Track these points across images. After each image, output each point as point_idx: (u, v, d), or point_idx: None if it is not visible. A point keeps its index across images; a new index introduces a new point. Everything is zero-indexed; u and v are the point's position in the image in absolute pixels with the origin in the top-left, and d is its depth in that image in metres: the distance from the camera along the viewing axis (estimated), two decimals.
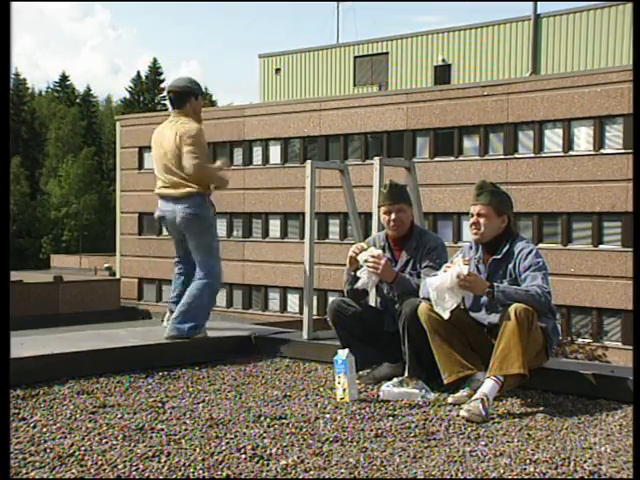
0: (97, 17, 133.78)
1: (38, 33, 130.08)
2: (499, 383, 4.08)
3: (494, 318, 4.32)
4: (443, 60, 29.64)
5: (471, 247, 4.59)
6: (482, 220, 4.43)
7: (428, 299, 4.33)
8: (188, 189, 5.56)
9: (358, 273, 4.68)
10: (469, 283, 4.17)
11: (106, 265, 39.75)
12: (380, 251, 4.71)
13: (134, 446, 3.36)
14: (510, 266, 4.37)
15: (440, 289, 4.20)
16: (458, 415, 3.96)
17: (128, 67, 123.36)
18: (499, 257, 4.41)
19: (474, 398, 4.01)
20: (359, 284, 4.67)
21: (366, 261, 4.62)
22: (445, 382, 4.34)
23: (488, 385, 4.08)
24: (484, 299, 4.38)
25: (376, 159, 5.80)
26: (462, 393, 4.24)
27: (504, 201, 4.49)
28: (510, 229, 4.50)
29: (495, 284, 4.22)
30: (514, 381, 4.15)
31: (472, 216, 4.48)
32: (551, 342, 4.41)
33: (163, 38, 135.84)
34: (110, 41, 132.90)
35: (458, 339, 4.34)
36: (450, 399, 4.25)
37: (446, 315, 4.21)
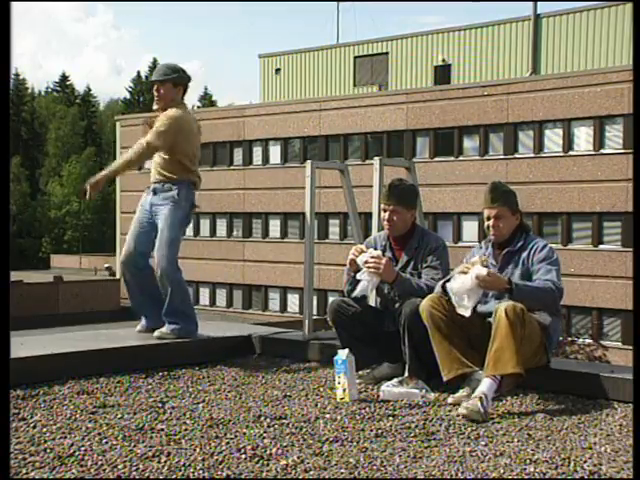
0: (99, 17, 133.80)
1: (41, 34, 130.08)
2: (496, 382, 4.10)
3: (486, 308, 4.43)
4: (443, 60, 29.63)
5: (480, 247, 4.65)
6: (501, 223, 4.54)
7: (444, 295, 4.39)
8: None
9: (358, 275, 4.67)
10: (489, 283, 4.22)
11: (106, 265, 39.69)
12: (379, 252, 4.71)
13: (134, 446, 3.36)
14: (524, 255, 4.47)
15: (459, 292, 4.23)
16: (458, 415, 3.96)
17: (130, 67, 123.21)
18: (514, 249, 4.51)
19: (473, 397, 4.04)
20: (357, 291, 4.66)
21: (366, 262, 4.61)
22: (444, 379, 4.36)
23: (486, 384, 4.10)
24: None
25: (376, 159, 5.80)
26: (462, 393, 4.25)
27: (515, 199, 4.62)
28: (523, 223, 4.63)
29: (513, 280, 4.27)
30: (511, 380, 4.18)
31: (488, 219, 4.57)
32: (551, 340, 4.42)
33: (164, 38, 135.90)
34: (113, 41, 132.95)
35: (459, 337, 4.36)
36: (450, 399, 4.26)
37: (468, 313, 4.26)
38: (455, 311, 4.36)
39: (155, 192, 5.66)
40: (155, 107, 5.66)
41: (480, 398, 3.99)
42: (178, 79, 5.62)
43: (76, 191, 59.27)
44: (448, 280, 4.39)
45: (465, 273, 4.26)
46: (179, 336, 5.49)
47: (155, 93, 5.62)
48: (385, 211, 4.83)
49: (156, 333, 5.50)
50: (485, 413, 3.95)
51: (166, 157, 5.61)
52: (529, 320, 4.24)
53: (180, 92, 5.67)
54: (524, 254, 4.47)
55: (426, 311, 4.40)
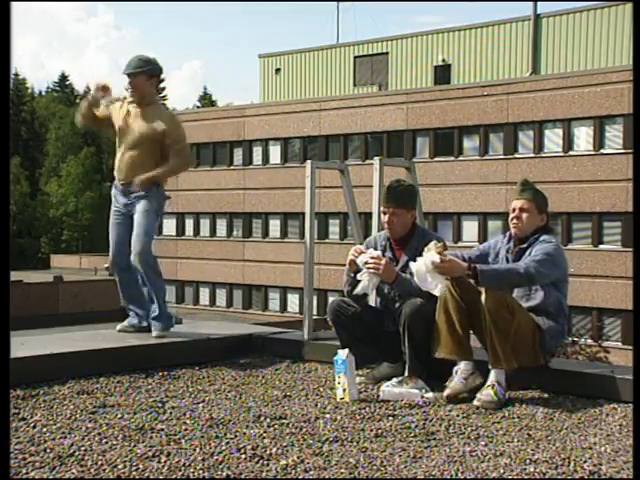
0: (101, 18, 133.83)
1: (43, 34, 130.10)
2: (501, 368, 4.24)
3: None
4: (443, 60, 29.63)
5: (503, 240, 4.68)
6: (524, 215, 4.56)
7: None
8: None
9: (358, 276, 4.67)
10: (445, 269, 4.24)
11: (106, 265, 39.51)
12: (379, 252, 4.71)
13: (134, 446, 3.36)
14: (527, 252, 4.48)
15: (419, 274, 4.29)
16: (466, 413, 3.96)
17: None
18: (525, 246, 4.53)
19: (486, 386, 4.19)
20: (359, 289, 4.65)
21: (366, 263, 4.61)
22: (434, 355, 4.43)
23: (493, 373, 4.25)
24: None
25: (376, 159, 5.80)
26: (454, 384, 4.34)
27: (545, 200, 4.65)
28: (547, 227, 4.62)
29: (477, 265, 4.28)
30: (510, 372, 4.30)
31: (513, 211, 4.60)
32: (545, 343, 4.41)
33: (165, 38, 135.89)
34: (114, 41, 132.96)
35: (461, 320, 4.35)
36: (446, 392, 4.30)
37: (437, 292, 4.30)
38: (470, 299, 4.35)
39: (125, 193, 5.61)
40: (130, 100, 5.63)
41: (492, 386, 4.17)
42: (151, 71, 5.59)
43: (74, 191, 59.31)
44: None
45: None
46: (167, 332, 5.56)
47: (129, 86, 5.56)
48: (385, 214, 4.82)
49: (155, 333, 5.51)
50: (500, 401, 4.12)
51: (152, 160, 5.56)
52: (519, 309, 4.29)
53: (154, 84, 5.64)
54: (528, 251, 4.48)
55: (444, 292, 4.41)
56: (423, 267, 4.27)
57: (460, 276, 4.34)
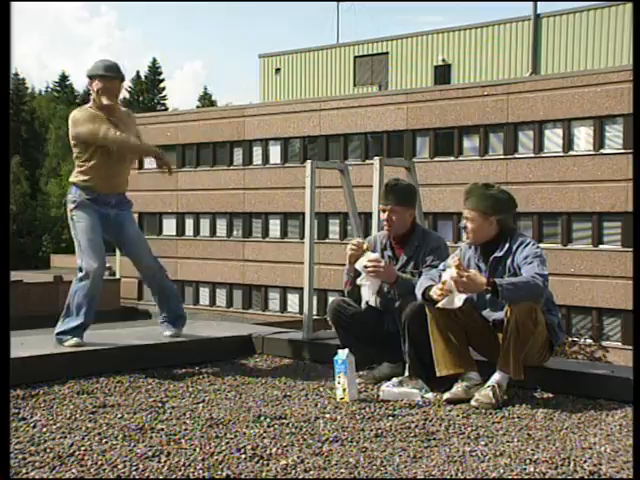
0: (104, 18, 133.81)
1: (47, 34, 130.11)
2: (508, 373, 4.22)
3: (499, 315, 4.36)
4: (443, 60, 29.66)
5: (470, 246, 4.62)
6: (469, 224, 4.48)
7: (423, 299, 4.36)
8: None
9: (358, 281, 4.69)
10: (463, 284, 4.14)
11: (108, 264, 39.63)
12: (377, 254, 4.72)
13: (134, 446, 3.36)
14: (509, 261, 4.41)
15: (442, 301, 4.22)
16: (466, 413, 3.96)
17: (133, 67, 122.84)
18: (500, 255, 4.45)
19: (486, 386, 4.18)
20: (363, 303, 4.77)
21: (365, 267, 4.62)
22: (437, 374, 4.40)
23: (498, 375, 4.22)
24: (488, 296, 4.40)
25: (376, 159, 5.79)
26: (456, 389, 4.31)
27: (493, 203, 4.45)
28: (506, 228, 4.50)
29: (496, 280, 4.18)
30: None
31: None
32: (557, 338, 4.46)
33: (166, 39, 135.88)
34: (117, 41, 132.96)
35: (456, 334, 4.35)
36: (446, 395, 4.28)
37: (458, 305, 4.20)
38: (465, 314, 4.33)
39: (113, 204, 5.39)
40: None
41: (492, 387, 4.15)
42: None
43: None
44: (428, 287, 4.33)
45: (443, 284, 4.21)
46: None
47: (116, 92, 5.37)
48: (384, 211, 4.83)
49: (168, 332, 5.52)
50: (497, 402, 4.11)
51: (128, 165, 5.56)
52: (540, 319, 4.26)
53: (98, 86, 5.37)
54: (509, 260, 4.40)
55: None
56: (449, 281, 4.15)
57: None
